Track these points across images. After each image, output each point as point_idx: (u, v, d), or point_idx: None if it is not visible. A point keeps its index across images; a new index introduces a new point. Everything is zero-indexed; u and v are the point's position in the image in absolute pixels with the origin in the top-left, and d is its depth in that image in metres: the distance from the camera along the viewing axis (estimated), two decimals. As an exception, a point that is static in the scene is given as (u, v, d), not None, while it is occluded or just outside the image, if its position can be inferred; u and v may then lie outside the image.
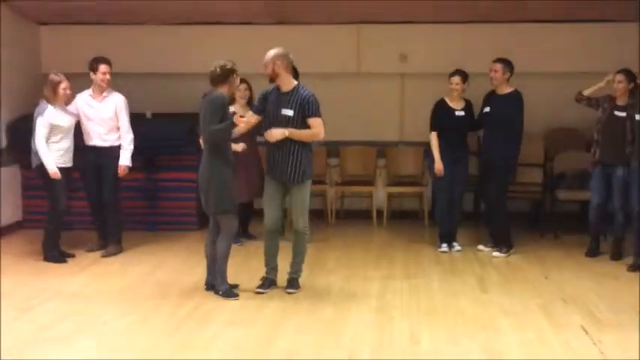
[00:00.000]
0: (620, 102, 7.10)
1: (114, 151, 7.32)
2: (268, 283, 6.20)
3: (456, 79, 7.45)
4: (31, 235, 8.05)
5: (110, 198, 7.37)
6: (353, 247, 7.85)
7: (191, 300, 5.89)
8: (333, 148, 9.15)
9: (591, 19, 8.55)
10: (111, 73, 7.30)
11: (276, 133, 5.90)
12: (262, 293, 6.09)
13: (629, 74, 7.06)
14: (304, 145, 6.00)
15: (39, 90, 7.15)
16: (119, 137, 7.35)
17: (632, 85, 7.05)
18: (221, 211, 5.94)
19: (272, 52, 5.98)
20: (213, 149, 5.89)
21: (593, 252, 7.32)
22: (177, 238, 8.14)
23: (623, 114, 7.04)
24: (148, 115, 8.71)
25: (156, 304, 5.82)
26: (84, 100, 7.35)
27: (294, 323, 5.37)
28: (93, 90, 7.34)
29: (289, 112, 5.93)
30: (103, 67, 7.24)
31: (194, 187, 8.36)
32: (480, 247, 7.65)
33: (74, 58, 8.18)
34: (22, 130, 7.63)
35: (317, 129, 5.97)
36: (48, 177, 6.95)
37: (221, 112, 5.85)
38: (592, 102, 7.25)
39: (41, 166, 6.94)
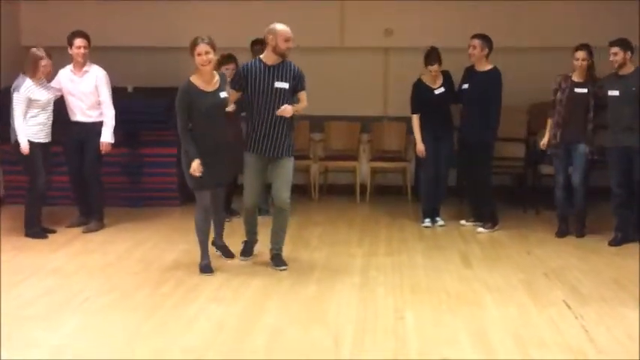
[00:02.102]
0: (578, 79, 7.02)
1: (97, 127, 7.23)
2: (249, 247, 6.38)
3: (435, 67, 7.36)
4: (12, 211, 7.97)
5: (92, 174, 7.30)
6: (336, 222, 7.84)
7: (173, 277, 5.86)
8: (316, 122, 9.10)
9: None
10: (87, 47, 7.17)
11: (289, 109, 5.88)
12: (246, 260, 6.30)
13: (590, 51, 6.95)
14: (290, 120, 6.03)
15: (19, 63, 7.04)
16: (100, 113, 7.25)
17: (591, 61, 6.98)
18: (192, 188, 5.94)
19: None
20: None
21: (562, 232, 7.22)
22: (160, 214, 8.08)
23: (584, 90, 6.97)
24: (130, 89, 8.61)
25: (138, 280, 5.78)
26: (66, 76, 7.26)
27: (278, 300, 5.36)
28: (73, 65, 7.25)
29: (284, 85, 5.92)
30: (78, 41, 7.13)
31: (176, 163, 8.32)
32: (463, 222, 7.66)
33: (54, 31, 8.04)
34: (1, 104, 7.51)
35: (305, 102, 6.08)
36: (25, 153, 6.87)
37: (181, 104, 5.72)
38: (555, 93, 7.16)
39: (18, 142, 6.86)
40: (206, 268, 5.92)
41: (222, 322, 4.90)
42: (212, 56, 5.70)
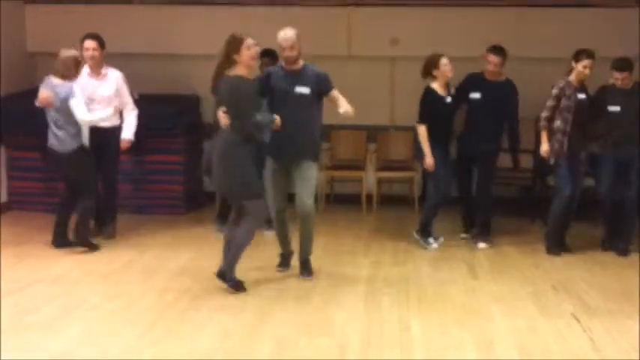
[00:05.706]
0: (576, 84, 6.90)
1: (113, 132, 7.09)
2: (284, 259, 6.27)
3: (444, 60, 7.02)
4: (15, 217, 7.95)
5: (113, 179, 7.24)
6: (342, 232, 7.79)
7: (178, 285, 5.83)
8: (323, 131, 9.04)
9: (587, 4, 8.55)
10: (97, 50, 6.97)
11: (349, 109, 5.85)
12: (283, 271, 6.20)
13: (594, 58, 6.86)
14: (317, 125, 6.05)
15: (24, 69, 6.97)
16: (119, 117, 7.15)
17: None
18: (248, 196, 5.58)
19: (294, 33, 5.83)
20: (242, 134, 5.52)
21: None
22: (164, 222, 8.03)
23: (584, 96, 6.93)
24: (136, 96, 8.58)
25: (142, 288, 5.75)
26: (84, 80, 6.93)
27: (283, 310, 5.32)
28: (90, 69, 7.06)
29: (305, 90, 5.87)
30: (86, 43, 6.93)
31: (182, 170, 8.34)
32: (463, 235, 7.53)
33: (60, 37, 7.99)
34: (7, 109, 7.49)
35: (343, 99, 5.95)
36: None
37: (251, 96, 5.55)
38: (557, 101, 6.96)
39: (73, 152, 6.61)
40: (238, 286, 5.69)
41: (228, 331, 4.87)
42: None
